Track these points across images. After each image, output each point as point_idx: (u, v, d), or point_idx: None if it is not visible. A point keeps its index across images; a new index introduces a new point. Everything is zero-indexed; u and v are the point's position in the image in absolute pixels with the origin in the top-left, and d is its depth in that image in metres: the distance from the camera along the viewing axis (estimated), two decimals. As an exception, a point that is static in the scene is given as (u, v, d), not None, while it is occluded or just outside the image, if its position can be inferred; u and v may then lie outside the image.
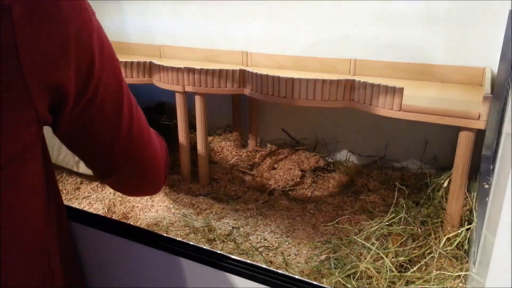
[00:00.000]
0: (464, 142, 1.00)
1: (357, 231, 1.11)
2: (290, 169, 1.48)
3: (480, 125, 0.97)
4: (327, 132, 1.58)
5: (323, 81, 1.14)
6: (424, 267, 0.97)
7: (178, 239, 0.70)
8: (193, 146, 1.47)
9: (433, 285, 0.92)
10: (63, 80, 0.42)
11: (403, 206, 1.14)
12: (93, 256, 0.77)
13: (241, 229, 1.20)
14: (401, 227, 1.06)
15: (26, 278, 0.49)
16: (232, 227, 1.21)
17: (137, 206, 1.32)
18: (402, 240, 1.02)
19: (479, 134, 1.01)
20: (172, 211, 1.28)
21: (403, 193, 1.24)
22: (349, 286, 0.93)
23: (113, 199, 1.35)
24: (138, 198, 1.36)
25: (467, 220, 1.07)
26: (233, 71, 1.29)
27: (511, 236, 0.50)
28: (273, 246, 1.13)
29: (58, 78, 0.41)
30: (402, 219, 1.08)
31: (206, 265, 0.66)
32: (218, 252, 0.66)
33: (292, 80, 1.16)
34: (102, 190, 1.42)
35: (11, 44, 0.37)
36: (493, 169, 0.83)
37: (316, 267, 1.02)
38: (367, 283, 0.93)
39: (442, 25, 1.28)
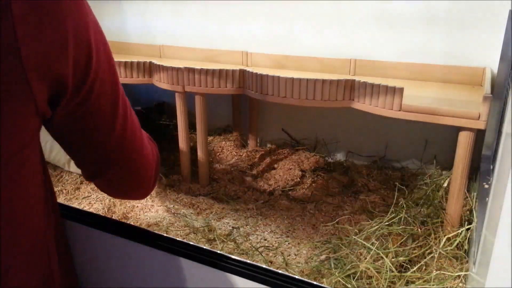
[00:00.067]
0: (464, 142, 1.00)
1: (357, 231, 1.11)
2: (290, 169, 1.48)
3: (480, 125, 0.97)
4: (327, 132, 1.58)
5: (323, 81, 1.14)
6: (424, 267, 0.97)
7: (178, 239, 0.70)
8: (193, 146, 1.47)
9: (433, 285, 0.92)
10: (62, 74, 0.42)
11: (403, 206, 1.14)
12: (93, 256, 0.77)
13: (241, 229, 1.20)
14: (401, 227, 1.06)
15: (27, 278, 0.49)
16: (232, 227, 1.21)
17: (137, 206, 1.32)
18: (402, 240, 1.02)
19: (479, 134, 1.01)
20: (172, 211, 1.28)
21: (403, 193, 1.24)
22: (349, 286, 0.93)
23: (113, 199, 1.35)
24: (138, 198, 1.36)
25: (467, 220, 1.07)
26: (233, 71, 1.28)
27: (511, 236, 0.50)
28: (273, 246, 1.13)
29: (58, 72, 0.42)
30: (402, 219, 1.08)
31: (206, 265, 0.66)
32: (218, 252, 0.66)
33: (292, 80, 1.16)
34: (102, 190, 1.42)
35: (11, 38, 0.38)
36: (493, 169, 0.83)
37: (316, 267, 1.02)
38: (367, 283, 0.93)
39: (442, 25, 1.28)
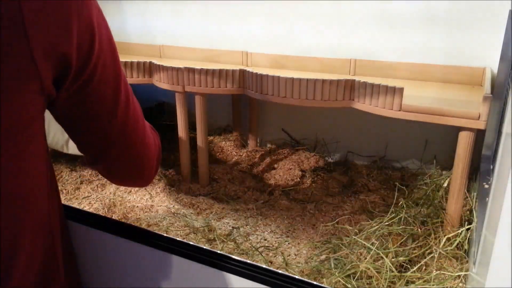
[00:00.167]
0: (464, 142, 1.00)
1: (357, 231, 1.11)
2: (290, 169, 1.48)
3: (480, 125, 0.97)
4: (327, 132, 1.58)
5: (323, 81, 1.14)
6: (424, 267, 0.97)
7: (178, 239, 0.70)
8: (193, 146, 1.47)
9: (433, 285, 0.92)
10: (66, 54, 0.43)
11: (403, 206, 1.14)
12: (93, 256, 0.77)
13: (241, 229, 1.20)
14: (401, 227, 1.06)
15: (33, 258, 0.50)
16: (232, 227, 1.21)
17: (137, 206, 1.32)
18: (402, 240, 1.02)
19: (479, 134, 1.01)
20: (172, 211, 1.28)
21: (403, 193, 1.24)
22: (349, 286, 0.93)
23: (113, 199, 1.35)
24: (138, 198, 1.36)
25: (467, 220, 1.07)
26: (233, 71, 1.29)
27: (511, 236, 0.50)
28: (273, 246, 1.13)
29: (62, 51, 0.43)
30: (402, 219, 1.08)
31: (206, 265, 0.66)
32: (218, 252, 0.66)
33: (292, 80, 1.16)
34: (102, 190, 1.42)
35: (17, 17, 0.39)
36: (493, 169, 0.84)
37: (316, 267, 1.02)
38: (367, 283, 0.93)
39: (442, 25, 1.28)
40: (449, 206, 1.06)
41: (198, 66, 1.31)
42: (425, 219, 1.09)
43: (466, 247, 1.00)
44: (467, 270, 0.93)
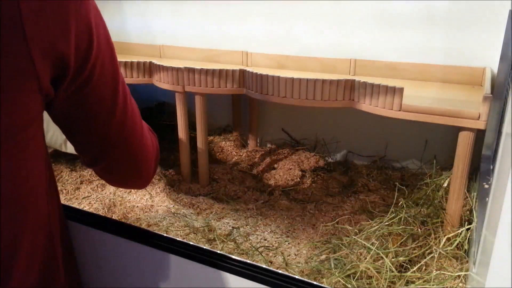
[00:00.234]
0: (464, 142, 1.00)
1: (357, 231, 1.11)
2: (290, 169, 1.48)
3: (480, 125, 0.97)
4: (327, 132, 1.58)
5: (323, 81, 1.14)
6: (424, 267, 0.97)
7: (178, 239, 0.70)
8: (193, 146, 1.47)
9: (433, 285, 0.92)
10: (64, 53, 0.43)
11: (403, 206, 1.14)
12: (93, 256, 0.77)
13: (241, 229, 1.20)
14: (401, 227, 1.06)
15: (33, 258, 0.50)
16: (232, 227, 1.21)
17: (137, 206, 1.32)
18: (402, 240, 1.02)
19: (479, 134, 1.01)
20: (172, 211, 1.28)
21: (403, 193, 1.24)
22: (349, 286, 0.93)
23: (113, 199, 1.35)
24: (138, 198, 1.36)
25: (467, 220, 1.07)
26: (233, 71, 1.29)
27: (511, 236, 0.50)
28: (273, 246, 1.13)
29: (60, 50, 0.43)
30: (402, 219, 1.08)
31: (206, 265, 0.66)
32: (218, 252, 0.66)
33: (292, 80, 1.16)
34: (102, 190, 1.42)
35: (16, 16, 0.39)
36: (493, 169, 0.84)
37: (316, 267, 1.02)
38: (367, 283, 0.93)
39: (442, 25, 1.28)
40: (449, 206, 1.06)
41: (198, 66, 1.31)
42: (425, 219, 1.09)
43: (466, 247, 1.00)
44: (467, 270, 0.93)
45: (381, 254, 0.98)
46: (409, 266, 0.98)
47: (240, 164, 1.58)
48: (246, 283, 0.63)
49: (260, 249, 1.11)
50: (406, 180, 1.39)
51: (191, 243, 0.69)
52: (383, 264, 0.96)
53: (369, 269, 0.94)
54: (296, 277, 0.62)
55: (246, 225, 1.22)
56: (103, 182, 1.46)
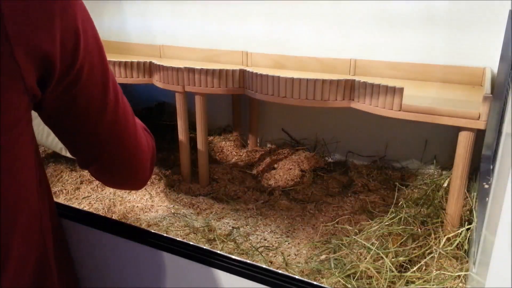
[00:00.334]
0: (464, 142, 1.00)
1: (357, 231, 1.11)
2: (290, 169, 1.48)
3: (480, 125, 0.97)
4: (327, 132, 1.58)
5: (323, 81, 1.14)
6: (424, 267, 0.97)
7: (178, 239, 0.70)
8: (193, 146, 1.47)
9: (433, 285, 0.92)
10: (49, 53, 0.43)
11: (403, 206, 1.14)
12: (93, 256, 0.77)
13: (241, 229, 1.20)
14: (401, 227, 1.06)
15: (25, 259, 0.49)
16: (232, 227, 1.21)
17: (137, 206, 1.32)
18: (402, 240, 1.02)
19: (479, 134, 1.01)
20: (172, 211, 1.28)
21: (403, 193, 1.24)
22: (349, 286, 0.93)
23: (113, 199, 1.35)
24: (138, 198, 1.36)
25: (467, 220, 1.07)
26: (233, 71, 1.29)
27: (511, 236, 0.50)
28: (273, 246, 1.13)
29: (44, 50, 0.42)
30: (402, 219, 1.08)
31: (206, 265, 0.66)
32: (218, 252, 0.66)
33: (292, 80, 1.16)
34: (102, 190, 1.42)
35: None
36: (493, 169, 0.84)
37: (316, 267, 1.02)
38: (367, 283, 0.93)
39: (442, 25, 1.28)
40: (449, 206, 1.06)
41: (198, 66, 1.31)
42: (425, 219, 1.09)
43: (466, 247, 1.00)
44: (467, 270, 0.93)
45: (381, 254, 0.98)
46: (409, 266, 0.98)
47: (240, 164, 1.58)
48: (246, 283, 0.63)
49: (260, 249, 1.10)
50: (406, 180, 1.39)
51: (191, 243, 0.69)
52: (383, 264, 0.96)
53: (369, 269, 0.94)
54: (296, 277, 0.62)
55: (246, 225, 1.22)
56: (103, 182, 1.46)
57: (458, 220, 1.05)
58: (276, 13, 1.52)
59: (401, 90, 1.04)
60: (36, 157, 0.51)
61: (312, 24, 1.48)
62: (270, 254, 1.09)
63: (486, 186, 0.82)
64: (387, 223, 1.08)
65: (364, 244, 1.02)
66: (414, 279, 0.94)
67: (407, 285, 0.93)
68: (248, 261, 0.65)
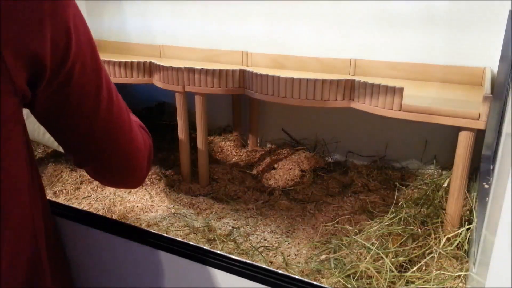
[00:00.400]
0: (464, 142, 1.00)
1: (357, 231, 1.11)
2: (290, 169, 1.48)
3: (480, 125, 0.97)
4: (327, 132, 1.58)
5: (323, 81, 1.14)
6: (424, 267, 0.97)
7: (178, 239, 0.70)
8: (193, 146, 1.47)
9: (433, 285, 0.92)
10: (39, 53, 0.43)
11: (403, 206, 1.14)
12: (93, 256, 0.77)
13: (241, 229, 1.20)
14: (401, 227, 1.06)
15: (16, 256, 0.49)
16: (232, 227, 1.21)
17: (137, 206, 1.32)
18: (402, 240, 1.02)
19: (479, 134, 1.01)
20: (172, 211, 1.28)
21: (403, 193, 1.24)
22: (349, 286, 0.93)
23: (113, 199, 1.35)
24: (138, 198, 1.36)
25: (467, 220, 1.07)
26: (233, 71, 1.29)
27: (511, 236, 0.50)
28: (273, 246, 1.13)
29: (34, 50, 0.42)
30: (402, 219, 1.08)
31: (206, 265, 0.66)
32: (218, 252, 0.66)
33: (292, 80, 1.16)
34: (102, 190, 1.42)
35: None
36: (493, 169, 0.84)
37: (316, 267, 1.02)
38: (367, 283, 0.93)
39: (442, 25, 1.28)
40: (449, 206, 1.06)
41: (198, 66, 1.31)
42: (425, 219, 1.09)
43: (466, 247, 1.00)
44: (467, 270, 0.93)
45: (381, 254, 0.98)
46: (409, 266, 0.98)
47: (240, 164, 1.58)
48: (246, 283, 0.63)
49: (260, 249, 1.11)
50: (406, 180, 1.39)
51: (191, 243, 0.69)
52: (383, 264, 0.96)
53: (369, 269, 0.94)
54: (296, 277, 0.62)
55: (246, 225, 1.22)
56: (103, 182, 1.46)
57: (458, 220, 1.05)
58: (276, 13, 1.52)
59: (401, 90, 1.04)
60: (28, 157, 0.50)
61: (312, 24, 1.48)
62: (270, 254, 1.09)
63: (486, 186, 0.82)
64: (387, 223, 1.08)
65: (364, 244, 1.02)
66: (414, 279, 0.94)
67: (407, 285, 0.93)
68: (248, 261, 0.65)
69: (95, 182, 1.46)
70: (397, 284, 0.93)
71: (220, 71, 1.28)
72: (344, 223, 1.19)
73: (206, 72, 1.29)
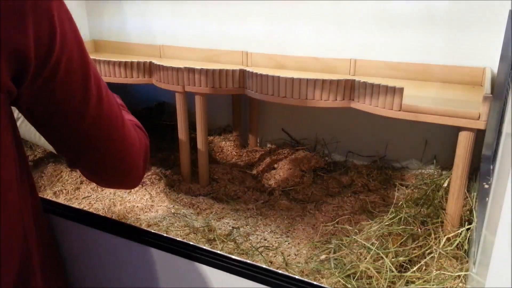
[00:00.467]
0: (464, 142, 1.00)
1: (357, 231, 1.11)
2: (290, 169, 1.48)
3: (480, 125, 0.97)
4: (327, 132, 1.58)
5: (323, 81, 1.14)
6: (424, 267, 0.97)
7: (178, 239, 0.70)
8: (193, 146, 1.47)
9: (433, 285, 0.92)
10: (21, 47, 0.42)
11: (403, 206, 1.14)
12: (93, 256, 0.77)
13: (241, 229, 1.20)
14: (401, 227, 1.06)
15: (5, 257, 0.48)
16: (232, 227, 1.21)
17: (137, 206, 1.32)
18: (402, 240, 1.02)
19: (479, 134, 1.01)
20: (172, 211, 1.28)
21: (403, 193, 1.24)
22: (349, 286, 0.93)
23: (113, 199, 1.35)
24: (138, 198, 1.36)
25: (467, 220, 1.07)
26: (233, 71, 1.28)
27: (511, 236, 0.50)
28: (273, 246, 1.13)
29: (16, 44, 0.42)
30: (402, 219, 1.08)
31: (206, 265, 0.66)
32: (218, 252, 0.66)
33: (292, 80, 1.16)
34: (102, 190, 1.42)
35: None
36: (493, 169, 0.84)
37: (316, 267, 1.02)
38: (367, 283, 0.93)
39: (442, 25, 1.28)
40: (449, 206, 1.06)
41: (198, 66, 1.31)
42: (425, 219, 1.09)
43: (466, 247, 1.00)
44: (467, 270, 0.93)
45: (381, 254, 0.98)
46: (409, 266, 0.98)
47: (240, 164, 1.58)
48: (246, 283, 0.63)
49: (260, 249, 1.10)
50: (406, 180, 1.39)
51: (191, 243, 0.69)
52: (383, 264, 0.96)
53: (369, 269, 0.94)
54: (296, 277, 0.62)
55: (246, 225, 1.22)
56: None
57: (458, 220, 1.05)
58: (276, 13, 1.52)
59: (401, 90, 1.04)
60: (17, 155, 0.49)
61: (312, 24, 1.48)
62: (270, 254, 1.09)
63: (486, 186, 0.82)
64: (387, 223, 1.08)
65: (364, 244, 1.02)
66: (414, 279, 0.94)
67: (407, 285, 0.93)
68: (248, 261, 0.65)
69: (95, 182, 1.46)
70: (397, 284, 0.93)
71: (220, 71, 1.28)
72: (344, 223, 1.19)
73: (206, 72, 1.29)
